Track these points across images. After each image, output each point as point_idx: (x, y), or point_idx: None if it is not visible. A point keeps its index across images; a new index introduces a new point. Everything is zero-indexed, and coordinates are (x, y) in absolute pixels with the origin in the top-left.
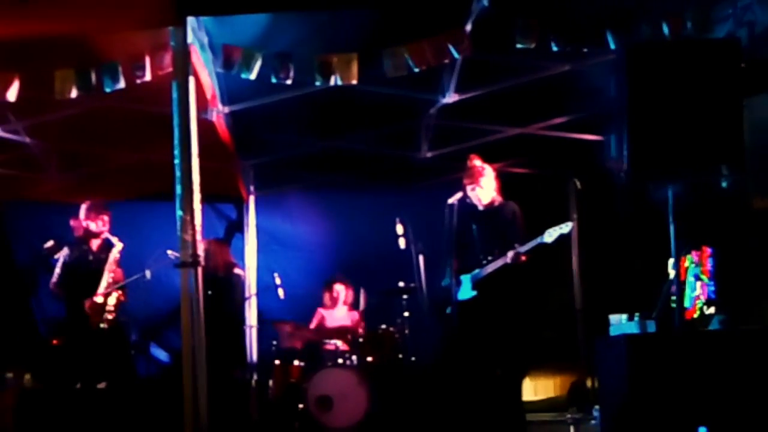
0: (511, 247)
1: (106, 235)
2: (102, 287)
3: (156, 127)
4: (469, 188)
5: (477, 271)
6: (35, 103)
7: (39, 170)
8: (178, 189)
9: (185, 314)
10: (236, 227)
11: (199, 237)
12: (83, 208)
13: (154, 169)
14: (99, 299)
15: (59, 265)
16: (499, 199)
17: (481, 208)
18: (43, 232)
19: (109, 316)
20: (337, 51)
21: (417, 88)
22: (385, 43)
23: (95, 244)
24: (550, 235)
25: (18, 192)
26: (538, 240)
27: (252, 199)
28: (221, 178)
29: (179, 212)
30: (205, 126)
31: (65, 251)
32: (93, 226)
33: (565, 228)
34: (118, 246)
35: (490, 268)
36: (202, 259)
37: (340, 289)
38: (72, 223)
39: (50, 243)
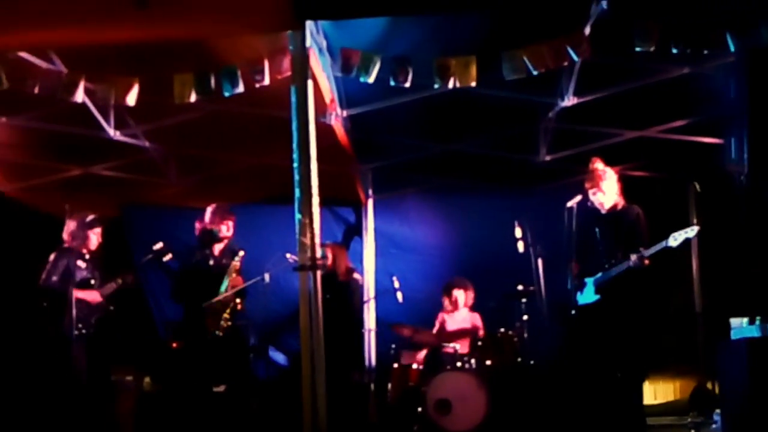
0: (634, 251)
1: (230, 240)
2: (221, 293)
3: (274, 130)
4: (590, 192)
5: (600, 274)
6: (154, 107)
7: (158, 174)
8: (297, 192)
9: (304, 317)
10: (355, 231)
11: (317, 240)
12: (208, 211)
13: (272, 172)
14: (217, 305)
15: (178, 269)
16: (622, 203)
17: (603, 211)
18: (162, 235)
19: (225, 324)
20: (455, 54)
21: (535, 91)
22: (503, 45)
23: (218, 248)
24: (675, 239)
25: (138, 196)
26: (663, 244)
27: (370, 202)
28: (340, 182)
29: (298, 215)
30: (323, 130)
31: (185, 255)
32: (217, 230)
33: (691, 232)
34: (241, 253)
35: (615, 272)
36: (320, 263)
37: (459, 294)
38: (197, 225)
39: (159, 245)
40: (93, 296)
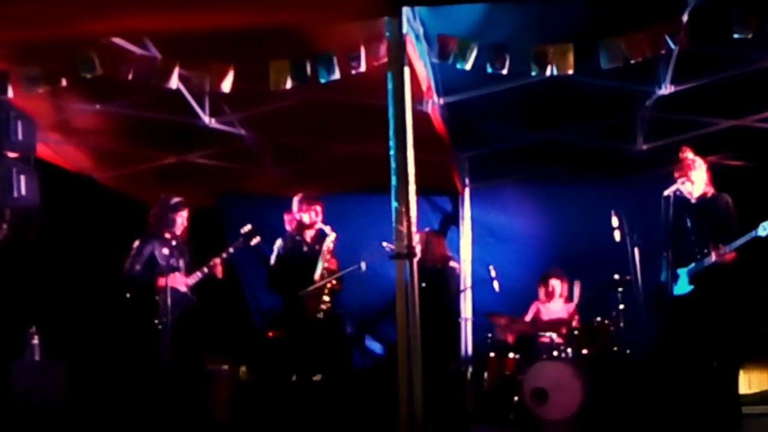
0: (725, 241)
1: (320, 225)
2: (317, 277)
3: (369, 118)
4: (679, 181)
5: (693, 265)
6: (250, 94)
7: (254, 163)
8: (394, 180)
9: (400, 306)
10: (451, 220)
11: (414, 229)
12: (295, 200)
13: (368, 161)
14: (314, 290)
15: (272, 257)
16: (711, 191)
17: (692, 200)
18: (257, 224)
19: (325, 307)
20: (551, 42)
21: (632, 79)
22: (600, 33)
23: (309, 235)
24: (765, 229)
25: (233, 184)
26: (753, 234)
27: (467, 191)
28: (436, 171)
29: (395, 204)
30: (420, 118)
31: (278, 243)
32: (306, 218)
33: None
34: (332, 236)
35: (707, 262)
36: (417, 251)
37: (555, 284)
38: (286, 216)
39: (247, 227)
40: (179, 285)
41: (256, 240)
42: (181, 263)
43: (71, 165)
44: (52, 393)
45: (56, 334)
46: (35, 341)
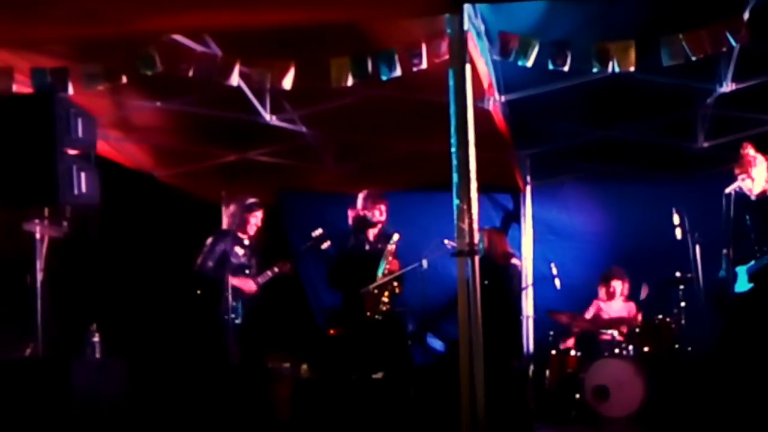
0: None
1: (383, 225)
2: (378, 278)
3: (431, 115)
4: (740, 178)
5: (753, 263)
6: (311, 91)
7: (315, 160)
8: (455, 177)
9: (462, 304)
10: (512, 217)
11: (476, 226)
12: (360, 197)
13: (429, 158)
14: (375, 290)
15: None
16: None
17: (753, 198)
18: (318, 221)
19: (384, 308)
20: (611, 39)
21: (693, 76)
22: (661, 30)
23: (372, 233)
24: None
25: (295, 181)
26: None
27: (528, 189)
28: (497, 168)
29: (456, 201)
30: (481, 115)
31: (349, 241)
32: (370, 216)
33: None
34: (396, 236)
35: (766, 260)
36: (478, 248)
37: (616, 284)
38: (349, 212)
39: (319, 231)
40: (248, 285)
41: (326, 244)
42: (253, 262)
43: (131, 162)
44: (112, 391)
45: (117, 332)
46: (96, 339)
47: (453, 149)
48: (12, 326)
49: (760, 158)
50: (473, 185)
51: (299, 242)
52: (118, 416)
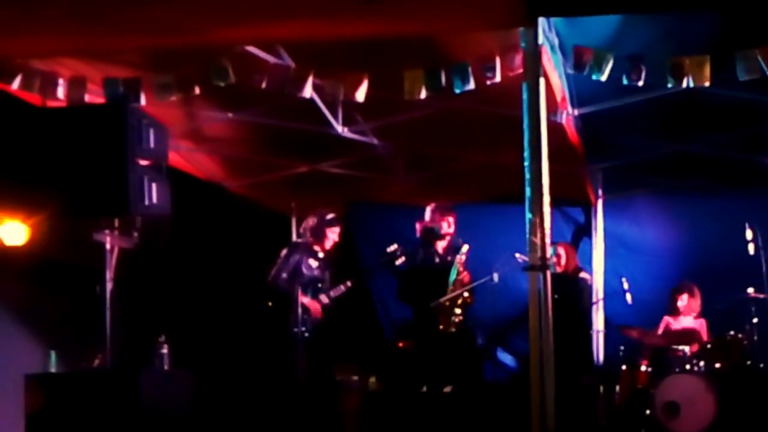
0: None
1: (452, 237)
2: (449, 290)
3: (503, 128)
4: None
5: None
6: (382, 103)
7: (386, 172)
8: (528, 191)
9: (533, 318)
10: (584, 231)
11: (548, 240)
12: (428, 210)
13: (500, 171)
14: (447, 302)
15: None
16: None
17: None
18: (388, 233)
19: (456, 320)
20: (686, 53)
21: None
22: (736, 45)
23: (441, 246)
24: None
25: (365, 193)
26: None
27: (600, 203)
28: (569, 182)
29: (528, 215)
30: (554, 128)
31: (418, 254)
32: (438, 228)
33: None
34: (465, 247)
35: None
36: (550, 263)
37: (686, 299)
38: (417, 225)
39: (394, 247)
40: (315, 306)
41: (401, 260)
42: (326, 275)
43: (202, 173)
44: (180, 402)
45: (185, 343)
46: (164, 350)
47: (526, 163)
48: (81, 337)
49: None
50: (546, 199)
51: (369, 255)
52: (185, 428)
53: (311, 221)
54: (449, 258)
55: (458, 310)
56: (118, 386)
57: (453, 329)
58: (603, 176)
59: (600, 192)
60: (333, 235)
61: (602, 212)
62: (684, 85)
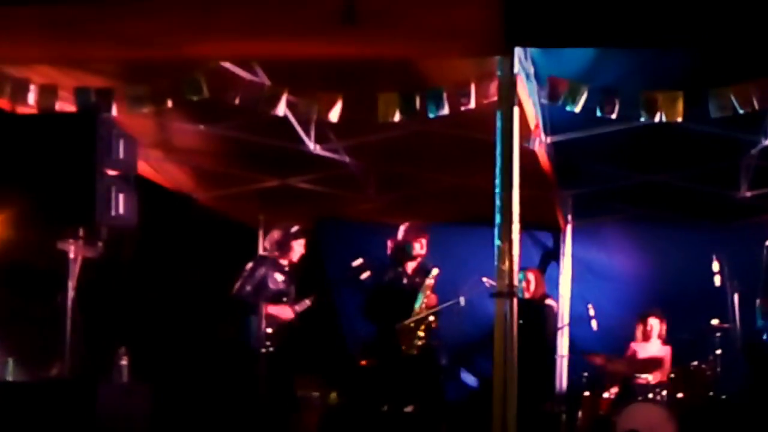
0: None
1: (423, 259)
2: (415, 312)
3: (476, 151)
4: None
5: None
6: (355, 123)
7: (356, 189)
8: (498, 218)
9: (498, 343)
10: (552, 256)
11: (516, 267)
12: (402, 229)
13: (471, 193)
14: (411, 324)
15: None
16: None
17: None
18: (356, 250)
19: (419, 343)
20: (659, 87)
21: (739, 127)
22: (708, 81)
23: (410, 267)
24: None
25: (335, 209)
26: None
27: (569, 228)
28: (540, 207)
29: (498, 242)
30: (526, 154)
31: (387, 273)
32: (410, 248)
33: None
34: (435, 271)
35: None
36: (517, 290)
37: (654, 323)
38: (389, 243)
39: (359, 261)
40: (286, 312)
41: (366, 275)
42: (291, 289)
43: (170, 183)
44: (137, 415)
45: (146, 356)
46: (124, 362)
47: (497, 190)
48: (40, 345)
49: None
50: (515, 227)
51: (336, 270)
52: None
53: (276, 234)
54: (417, 279)
55: (422, 333)
56: (76, 397)
57: (415, 351)
58: (573, 202)
59: (569, 217)
60: (299, 247)
61: (571, 238)
62: (657, 119)
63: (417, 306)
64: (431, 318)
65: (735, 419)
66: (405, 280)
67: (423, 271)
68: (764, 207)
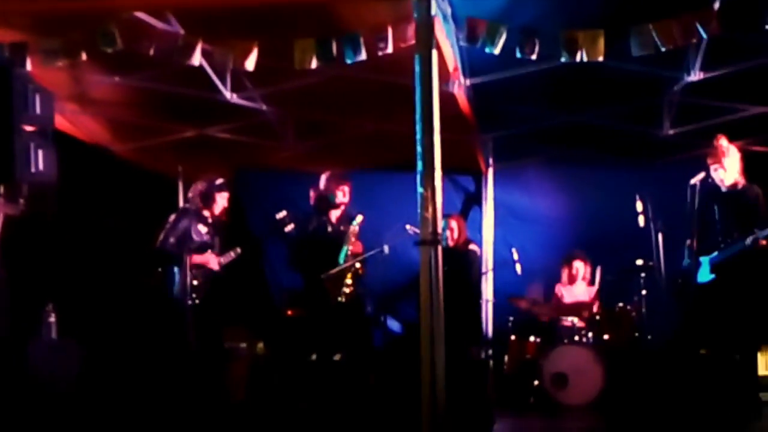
0: (751, 232)
1: (347, 207)
2: (341, 261)
3: (395, 96)
4: (712, 168)
5: (716, 254)
6: (272, 70)
7: (275, 138)
8: (420, 165)
9: (425, 291)
10: (474, 200)
11: (439, 215)
12: (323, 178)
13: (392, 139)
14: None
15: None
16: (742, 182)
17: (723, 189)
18: (277, 200)
19: (347, 290)
20: (579, 26)
21: (661, 64)
22: (629, 20)
23: (334, 215)
24: None
25: (253, 159)
26: None
27: (491, 172)
28: (460, 151)
29: (420, 189)
30: (445, 98)
31: (311, 223)
32: (333, 197)
33: None
34: (359, 218)
35: (729, 252)
36: (441, 237)
37: (579, 265)
38: (311, 193)
39: (283, 213)
40: (212, 262)
41: (290, 227)
42: (216, 241)
43: (88, 137)
44: (67, 371)
45: (73, 312)
46: (52, 319)
47: (418, 136)
48: None
49: (733, 149)
50: (438, 174)
51: (258, 221)
52: (72, 397)
53: (200, 186)
54: (342, 228)
55: (349, 281)
56: (4, 355)
57: (343, 299)
58: (494, 145)
59: (491, 161)
60: (222, 200)
61: (492, 181)
62: (578, 59)
63: (342, 254)
64: (357, 265)
65: (661, 359)
66: (329, 229)
67: (347, 219)
68: (688, 145)
